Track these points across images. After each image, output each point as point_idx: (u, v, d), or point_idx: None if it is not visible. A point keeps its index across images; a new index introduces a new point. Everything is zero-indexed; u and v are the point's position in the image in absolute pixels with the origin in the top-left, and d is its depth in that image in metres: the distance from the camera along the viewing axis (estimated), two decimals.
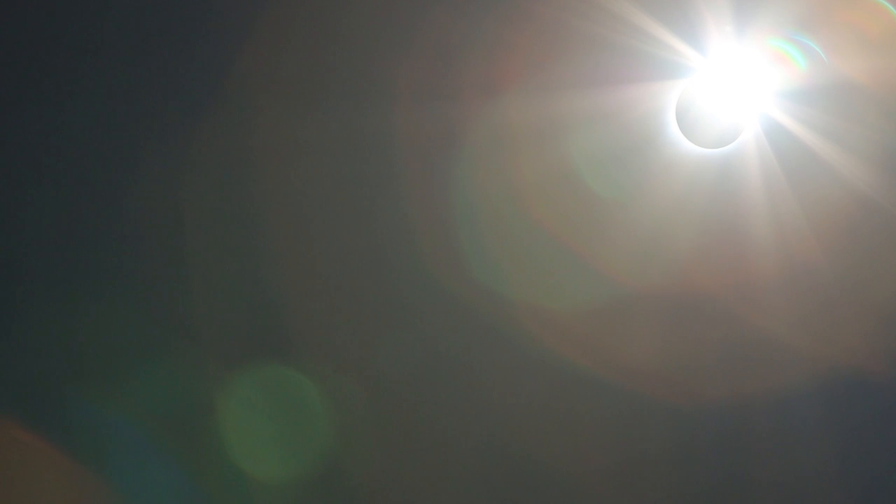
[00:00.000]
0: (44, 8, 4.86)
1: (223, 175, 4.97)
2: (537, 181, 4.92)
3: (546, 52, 4.78)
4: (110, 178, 4.98)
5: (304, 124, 4.93)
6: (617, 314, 4.99)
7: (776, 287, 4.96)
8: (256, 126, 4.94)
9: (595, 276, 4.96)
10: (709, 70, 4.78)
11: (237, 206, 5.00)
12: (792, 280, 4.95)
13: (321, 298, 5.07)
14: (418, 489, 5.09)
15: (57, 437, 4.95)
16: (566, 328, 4.99)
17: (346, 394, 5.06)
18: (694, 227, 4.95)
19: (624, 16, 4.70)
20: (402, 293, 5.05)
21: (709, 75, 4.79)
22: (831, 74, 4.72)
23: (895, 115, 4.76)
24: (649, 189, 4.91)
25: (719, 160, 4.87)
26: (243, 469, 5.04)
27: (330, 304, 5.07)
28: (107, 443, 4.99)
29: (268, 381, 5.06)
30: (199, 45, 4.92)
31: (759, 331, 5.01)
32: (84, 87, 4.91)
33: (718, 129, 4.80)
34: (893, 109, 4.76)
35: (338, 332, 5.07)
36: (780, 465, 5.11)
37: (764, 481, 5.12)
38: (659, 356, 5.04)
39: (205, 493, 5.03)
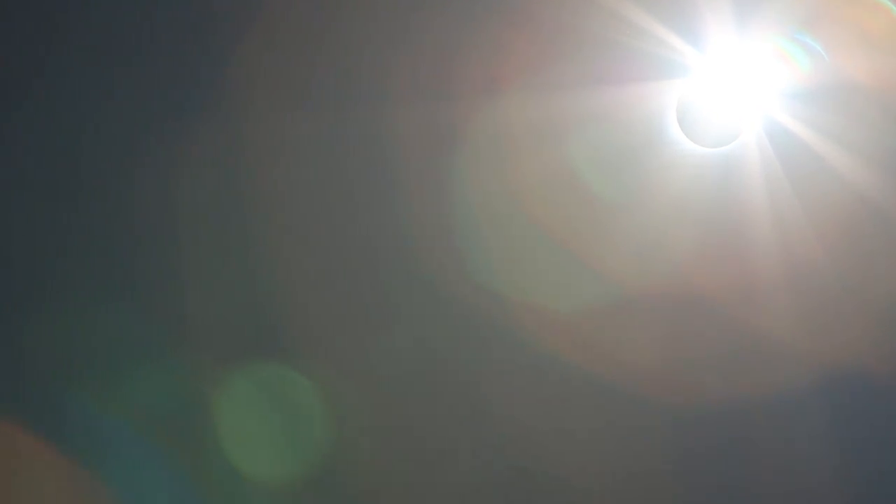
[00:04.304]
0: (33, 10, 4.85)
1: (219, 175, 4.96)
2: (536, 181, 4.91)
3: (545, 52, 4.76)
4: (106, 178, 4.97)
5: (302, 124, 4.92)
6: (617, 314, 4.98)
7: (777, 287, 4.95)
8: (253, 125, 4.93)
9: (595, 276, 4.94)
10: (709, 69, 4.76)
11: (233, 205, 4.99)
12: (793, 280, 4.94)
13: (318, 298, 5.06)
14: (416, 490, 5.09)
15: (52, 436, 4.94)
16: (566, 329, 4.98)
17: (343, 394, 5.05)
18: (694, 227, 4.94)
19: (624, 15, 4.68)
20: (401, 293, 5.04)
21: (709, 74, 4.77)
22: (833, 73, 4.70)
23: None
24: (649, 188, 4.90)
25: (720, 160, 4.85)
26: (240, 470, 5.03)
27: (327, 304, 5.06)
28: (103, 443, 4.98)
29: (265, 382, 5.05)
30: (194, 43, 4.90)
31: (760, 331, 5.00)
32: (76, 88, 4.90)
33: (719, 128, 4.79)
34: (895, 109, 4.74)
35: (335, 333, 5.06)
36: (780, 464, 5.10)
37: (763, 481, 5.12)
38: (660, 356, 5.03)
39: (202, 493, 5.03)
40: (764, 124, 4.78)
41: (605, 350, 4.98)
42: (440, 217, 4.94)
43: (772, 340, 4.98)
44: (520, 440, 5.10)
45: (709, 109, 4.76)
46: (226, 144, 4.93)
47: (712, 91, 4.76)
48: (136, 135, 4.97)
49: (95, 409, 4.99)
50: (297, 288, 5.05)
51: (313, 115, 4.91)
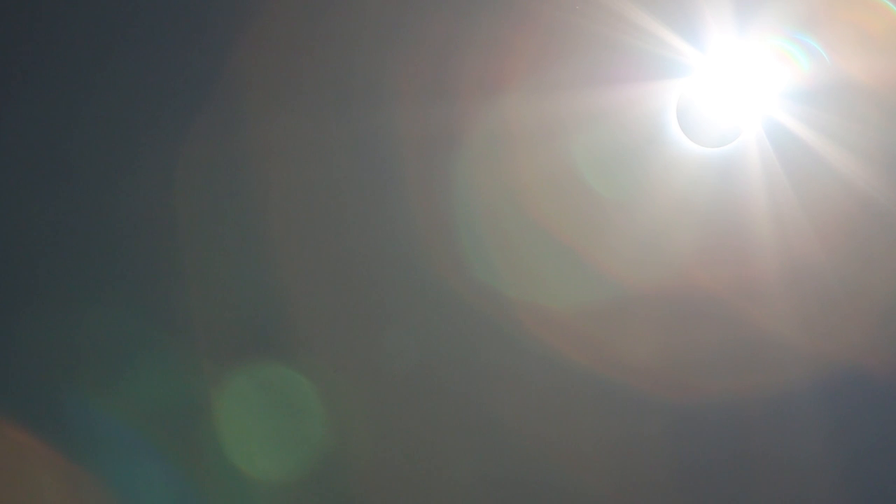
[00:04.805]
0: (30, 9, 4.85)
1: (220, 174, 4.96)
2: (537, 180, 4.91)
3: (546, 52, 4.76)
4: (106, 177, 4.97)
5: (303, 123, 4.91)
6: (618, 313, 4.98)
7: (777, 286, 4.94)
8: (254, 125, 4.93)
9: (595, 275, 4.94)
10: (710, 69, 4.76)
11: (234, 205, 4.99)
12: (793, 279, 4.94)
13: (319, 297, 5.06)
14: (415, 490, 5.09)
15: (53, 436, 4.94)
16: (567, 327, 4.98)
17: (343, 393, 5.06)
18: (694, 227, 4.93)
19: (624, 14, 4.68)
20: (401, 292, 5.04)
21: (710, 74, 4.77)
22: (833, 73, 4.70)
23: None
24: (650, 188, 4.90)
25: (720, 159, 4.85)
26: (240, 468, 5.03)
27: (328, 303, 5.06)
28: (103, 442, 4.99)
29: (265, 380, 5.05)
30: (196, 43, 4.90)
31: (760, 330, 5.00)
32: (77, 88, 4.90)
33: (719, 128, 4.79)
34: (894, 109, 4.74)
35: (336, 331, 5.06)
36: (780, 463, 5.10)
37: (763, 480, 5.12)
38: (660, 355, 5.03)
39: (201, 491, 5.03)
40: (764, 124, 4.78)
41: (605, 349, 4.98)
42: (440, 216, 4.93)
43: (772, 340, 4.98)
44: (519, 438, 5.10)
45: (709, 109, 4.76)
46: (225, 144, 4.93)
47: (712, 91, 4.76)
48: (135, 133, 4.97)
49: (94, 408, 4.99)
50: (296, 287, 5.05)
51: (312, 114, 4.90)
